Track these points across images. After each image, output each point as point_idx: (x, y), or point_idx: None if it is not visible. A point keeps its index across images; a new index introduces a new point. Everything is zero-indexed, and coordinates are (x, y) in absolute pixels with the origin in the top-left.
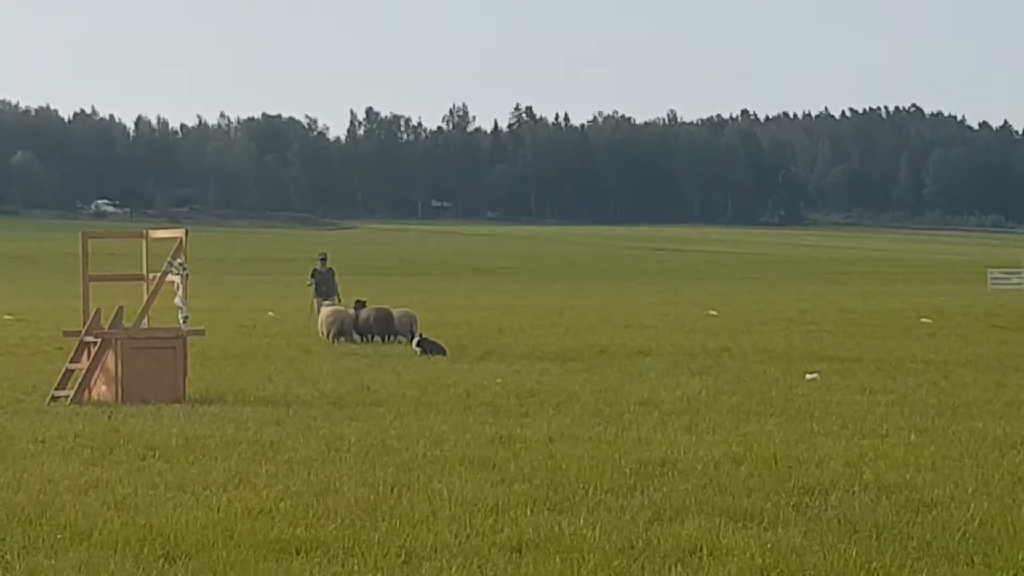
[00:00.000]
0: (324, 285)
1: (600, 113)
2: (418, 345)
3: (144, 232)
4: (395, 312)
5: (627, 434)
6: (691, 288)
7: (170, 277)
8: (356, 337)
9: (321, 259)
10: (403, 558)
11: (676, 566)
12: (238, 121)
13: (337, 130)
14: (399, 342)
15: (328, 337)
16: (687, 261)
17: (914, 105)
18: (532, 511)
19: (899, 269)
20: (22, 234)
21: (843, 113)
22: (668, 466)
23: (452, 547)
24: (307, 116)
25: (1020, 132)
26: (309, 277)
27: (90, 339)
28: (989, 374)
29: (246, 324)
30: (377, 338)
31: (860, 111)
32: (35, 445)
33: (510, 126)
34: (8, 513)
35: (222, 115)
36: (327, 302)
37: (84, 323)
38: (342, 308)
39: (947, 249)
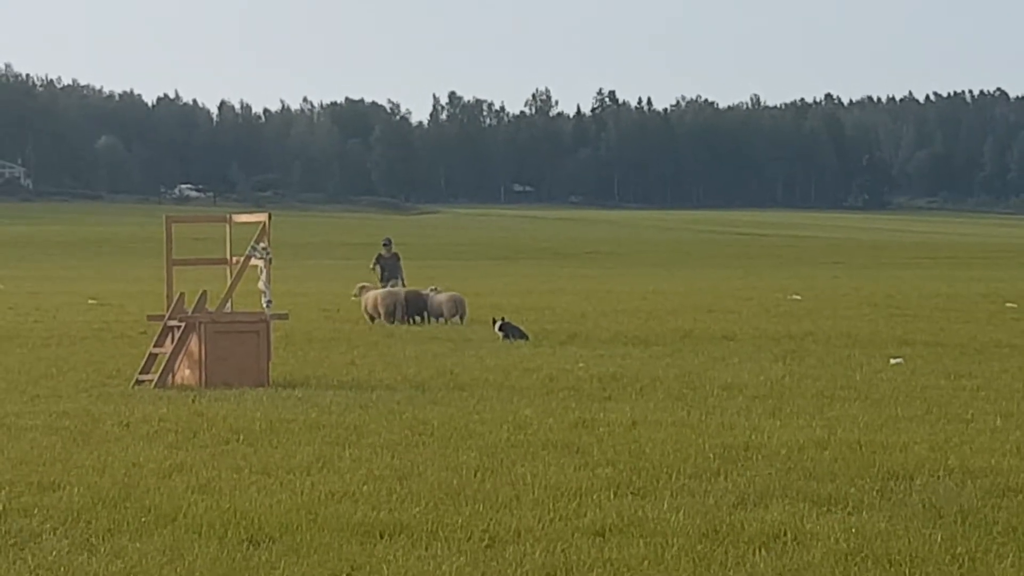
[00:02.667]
0: (388, 270)
1: (683, 97)
2: (500, 330)
3: (228, 216)
4: (437, 295)
5: (710, 418)
6: (774, 272)
7: (253, 261)
8: (408, 319)
9: (385, 244)
10: (486, 542)
11: (760, 551)
12: (321, 106)
13: (420, 114)
14: (441, 323)
15: (383, 318)
16: (770, 245)
17: (999, 89)
18: (615, 495)
19: (984, 254)
20: (106, 219)
21: (927, 97)
22: (752, 451)
23: (535, 531)
24: (390, 100)
25: None
26: (373, 261)
27: (174, 323)
28: None
29: (329, 308)
30: (416, 317)
31: (944, 95)
32: (120, 429)
33: (593, 110)
34: (93, 496)
35: (305, 100)
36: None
37: (168, 307)
38: (397, 290)
39: None
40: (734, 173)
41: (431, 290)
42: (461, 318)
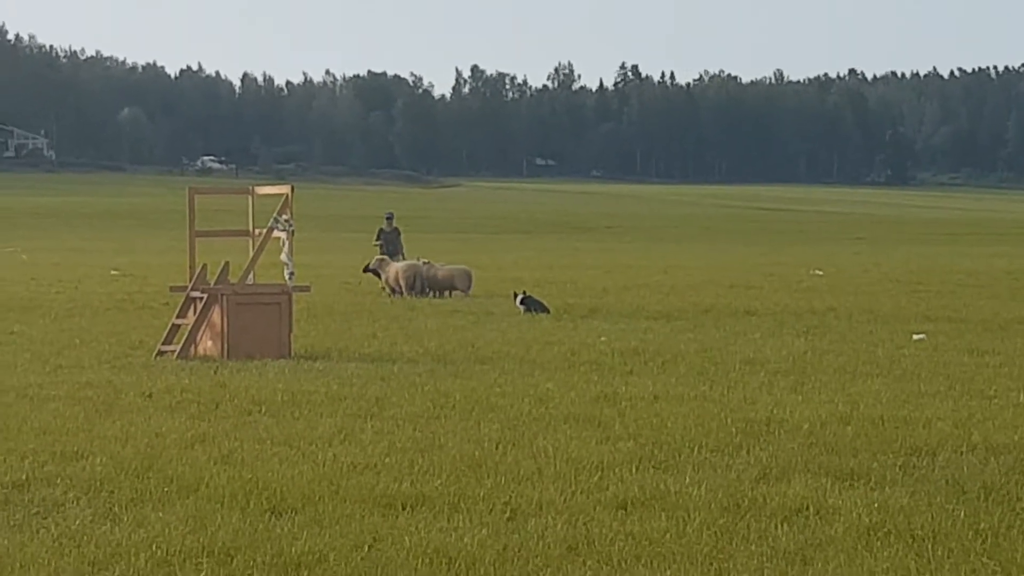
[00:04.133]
0: (390, 244)
1: (706, 72)
2: (522, 303)
3: (250, 188)
4: (441, 268)
5: (732, 393)
6: (796, 248)
7: (276, 233)
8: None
9: (387, 218)
10: (508, 514)
11: (782, 525)
12: (344, 78)
13: (442, 88)
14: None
15: (404, 290)
16: (793, 221)
17: None
18: (637, 469)
19: (1007, 230)
20: (129, 190)
21: (951, 73)
22: (774, 425)
23: (557, 504)
24: (412, 74)
25: None
26: (375, 237)
27: (196, 295)
28: None
29: (351, 281)
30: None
31: (969, 71)
32: (142, 400)
33: (616, 84)
34: (116, 466)
35: (328, 72)
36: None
37: (190, 279)
38: (416, 262)
39: None
40: (757, 148)
41: (423, 263)
42: (465, 290)
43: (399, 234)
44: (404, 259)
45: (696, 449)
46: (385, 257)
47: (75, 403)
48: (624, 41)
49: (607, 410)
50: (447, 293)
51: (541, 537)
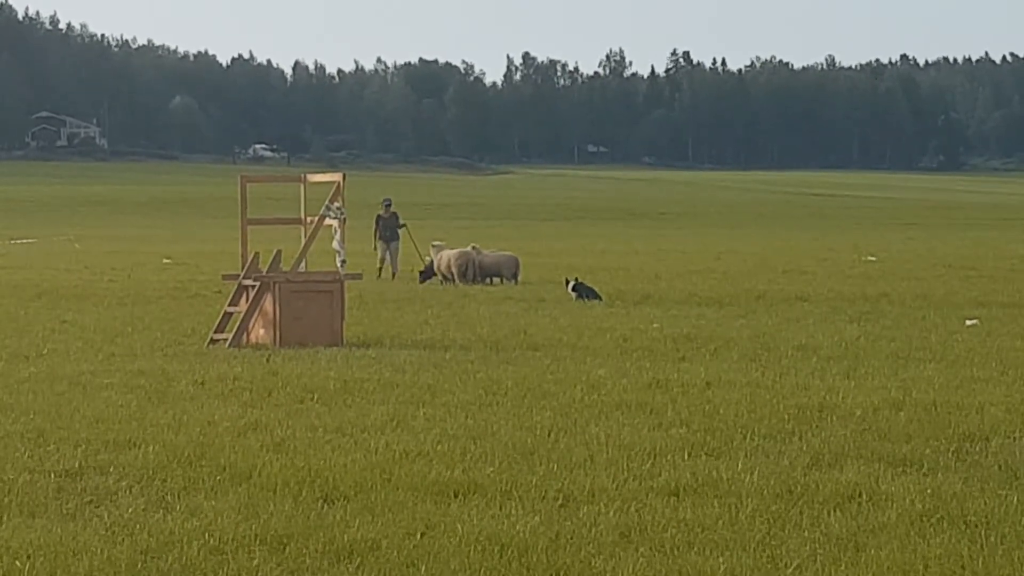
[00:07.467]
0: (388, 230)
1: (758, 58)
2: (573, 290)
3: (302, 176)
4: (491, 255)
5: (785, 379)
6: (849, 234)
7: (328, 221)
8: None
9: (385, 204)
10: (560, 501)
11: (835, 511)
12: (395, 66)
13: (494, 75)
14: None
15: (456, 278)
16: (845, 207)
17: None
18: (689, 455)
19: None
20: (181, 178)
21: (1004, 58)
22: (826, 411)
23: (609, 491)
24: (464, 61)
25: None
26: (375, 225)
27: (248, 282)
28: None
29: (402, 268)
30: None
31: (1021, 56)
32: (194, 387)
33: (667, 71)
34: (168, 454)
35: (379, 60)
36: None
37: (243, 267)
38: (469, 250)
39: None
40: (809, 134)
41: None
42: (515, 278)
43: (397, 219)
44: (399, 242)
45: (748, 436)
46: (441, 243)
47: (128, 391)
48: (675, 27)
49: (659, 397)
50: (492, 280)
51: (593, 524)
